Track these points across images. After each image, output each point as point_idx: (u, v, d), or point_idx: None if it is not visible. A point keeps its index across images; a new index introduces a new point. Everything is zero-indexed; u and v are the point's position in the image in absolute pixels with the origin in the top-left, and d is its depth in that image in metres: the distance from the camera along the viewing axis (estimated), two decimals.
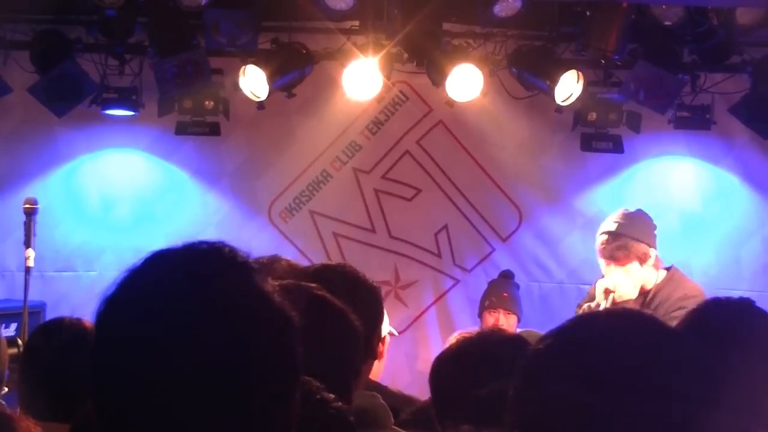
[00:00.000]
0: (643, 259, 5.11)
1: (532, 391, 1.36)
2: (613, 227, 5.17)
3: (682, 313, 4.79)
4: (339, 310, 2.26)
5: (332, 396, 2.02)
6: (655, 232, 5.26)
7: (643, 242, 5.13)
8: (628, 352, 1.33)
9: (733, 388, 1.38)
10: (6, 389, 3.33)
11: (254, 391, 1.27)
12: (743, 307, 2.63)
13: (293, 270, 3.29)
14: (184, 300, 1.28)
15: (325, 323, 2.19)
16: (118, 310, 1.31)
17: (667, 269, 5.26)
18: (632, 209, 5.30)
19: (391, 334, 4.25)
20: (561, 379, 1.32)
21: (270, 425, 1.30)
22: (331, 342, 2.18)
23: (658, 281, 5.19)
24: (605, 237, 5.17)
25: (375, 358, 3.01)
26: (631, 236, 5.13)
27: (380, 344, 3.53)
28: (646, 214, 5.30)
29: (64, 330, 2.73)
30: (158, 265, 1.33)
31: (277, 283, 2.16)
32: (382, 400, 2.67)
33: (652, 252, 5.16)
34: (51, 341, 2.73)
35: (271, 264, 3.21)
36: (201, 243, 1.35)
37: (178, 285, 1.30)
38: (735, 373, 1.43)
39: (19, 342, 4.38)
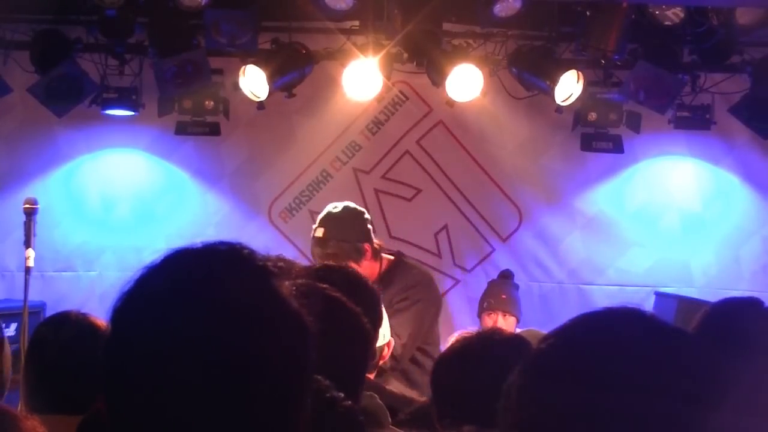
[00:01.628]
0: (358, 257, 4.89)
1: (534, 391, 1.36)
2: (320, 233, 4.94)
3: (406, 303, 4.80)
4: (352, 311, 2.26)
5: (342, 395, 2.03)
6: (369, 225, 5.01)
7: (351, 241, 4.91)
8: (631, 351, 1.33)
9: (743, 389, 1.37)
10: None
11: (265, 395, 1.27)
12: (753, 306, 2.63)
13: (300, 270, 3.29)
14: (199, 301, 1.27)
15: (338, 325, 2.20)
16: (134, 308, 1.31)
17: (393, 256, 5.07)
18: (339, 207, 5.01)
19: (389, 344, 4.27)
20: (564, 379, 1.32)
21: (280, 430, 1.30)
22: (343, 344, 2.19)
23: (382, 271, 4.99)
24: (314, 243, 4.95)
25: (375, 361, 3.01)
26: (338, 238, 4.90)
27: (385, 347, 3.53)
28: (353, 209, 5.03)
29: (71, 324, 2.74)
30: (176, 264, 1.33)
31: (293, 284, 2.15)
32: (379, 400, 2.67)
33: (368, 246, 4.93)
34: (57, 334, 2.73)
35: (290, 268, 3.21)
36: (220, 243, 1.35)
37: (194, 286, 1.29)
38: (745, 374, 1.42)
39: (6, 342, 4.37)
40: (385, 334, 4.04)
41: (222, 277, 1.30)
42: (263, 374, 1.26)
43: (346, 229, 4.95)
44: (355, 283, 2.91)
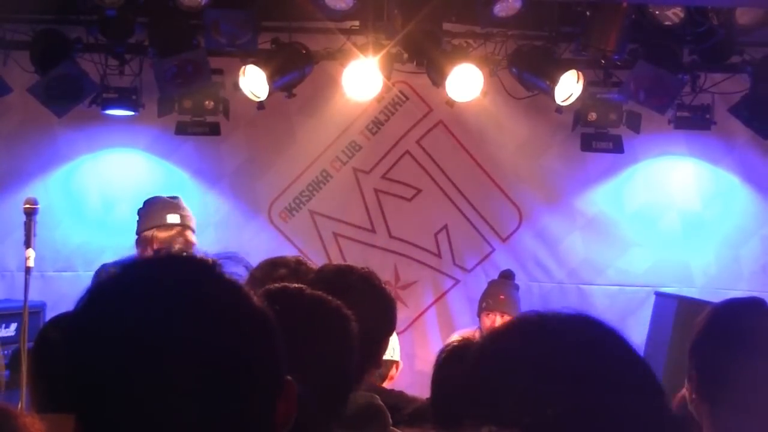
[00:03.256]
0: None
1: (531, 389, 1.36)
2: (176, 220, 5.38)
3: None
4: (333, 307, 2.25)
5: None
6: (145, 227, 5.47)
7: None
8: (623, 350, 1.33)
9: (747, 389, 1.38)
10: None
11: (232, 389, 1.26)
12: (756, 307, 2.63)
13: (308, 270, 3.30)
14: (161, 301, 1.28)
15: (320, 323, 2.19)
16: (98, 311, 1.31)
17: None
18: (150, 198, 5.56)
19: (398, 364, 4.31)
20: (561, 378, 1.32)
21: (249, 425, 1.29)
22: (327, 340, 2.18)
23: None
24: (168, 229, 5.42)
25: (377, 368, 3.00)
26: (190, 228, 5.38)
27: (393, 367, 3.51)
28: (149, 201, 5.56)
29: None
30: (135, 270, 1.34)
31: (278, 285, 2.14)
32: (380, 400, 2.67)
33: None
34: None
35: (308, 269, 3.23)
36: (161, 251, 1.37)
37: (156, 285, 1.30)
38: (749, 374, 1.43)
39: None
40: (395, 348, 4.01)
41: (181, 278, 1.31)
42: (226, 367, 1.26)
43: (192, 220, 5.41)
44: (371, 286, 2.91)
